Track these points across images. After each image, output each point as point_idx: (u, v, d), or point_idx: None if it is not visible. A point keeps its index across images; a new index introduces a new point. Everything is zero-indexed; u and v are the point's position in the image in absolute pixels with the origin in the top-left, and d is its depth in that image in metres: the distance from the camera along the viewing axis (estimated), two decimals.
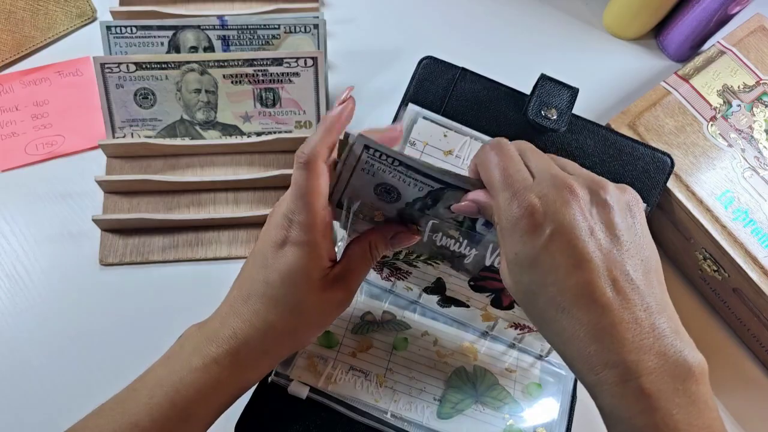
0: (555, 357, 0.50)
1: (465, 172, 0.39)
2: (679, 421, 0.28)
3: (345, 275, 0.38)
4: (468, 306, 0.48)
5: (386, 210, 0.39)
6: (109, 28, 0.56)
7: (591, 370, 0.30)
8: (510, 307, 0.46)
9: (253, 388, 0.45)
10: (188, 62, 0.55)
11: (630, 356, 0.28)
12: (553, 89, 0.51)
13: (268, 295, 0.36)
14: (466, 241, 0.40)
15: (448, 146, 0.50)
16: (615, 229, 0.31)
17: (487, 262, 0.42)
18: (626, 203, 0.33)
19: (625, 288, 0.30)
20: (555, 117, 0.51)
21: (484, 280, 0.44)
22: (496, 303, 0.46)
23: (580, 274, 0.30)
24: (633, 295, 0.30)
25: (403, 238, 0.40)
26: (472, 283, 0.45)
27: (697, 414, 0.29)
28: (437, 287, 0.47)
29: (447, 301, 0.48)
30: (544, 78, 0.51)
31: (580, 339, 0.30)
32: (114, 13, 0.62)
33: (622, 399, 0.29)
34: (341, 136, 0.38)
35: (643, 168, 0.51)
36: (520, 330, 0.48)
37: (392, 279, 0.48)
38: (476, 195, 0.35)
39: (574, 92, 0.51)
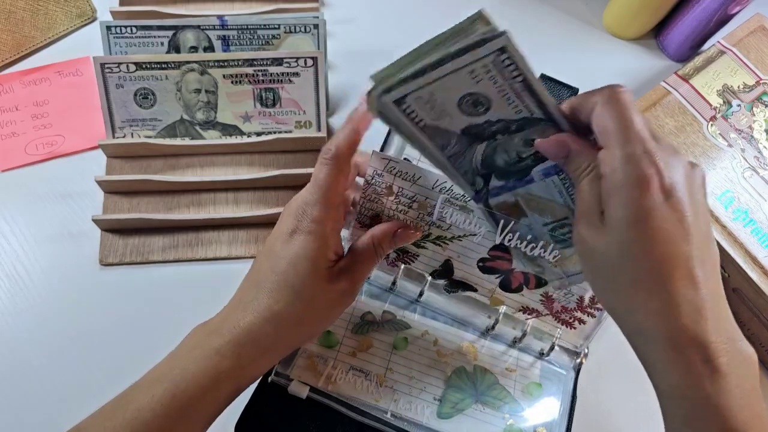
0: (555, 356, 0.50)
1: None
2: (743, 407, 0.29)
3: (350, 268, 0.39)
4: (476, 290, 0.48)
5: (451, 121, 0.35)
6: (109, 28, 0.56)
7: (674, 346, 0.30)
8: (519, 289, 0.46)
9: (253, 388, 0.45)
10: (188, 62, 0.55)
11: (712, 337, 0.29)
12: (553, 89, 0.51)
13: (275, 283, 0.36)
14: (476, 218, 0.41)
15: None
16: (707, 214, 0.33)
17: (497, 240, 0.42)
18: (703, 180, 0.34)
19: (711, 272, 0.31)
20: None
21: (494, 260, 0.45)
22: (505, 285, 0.46)
23: (686, 249, 0.30)
24: (714, 280, 0.31)
25: (405, 235, 0.42)
26: (480, 264, 0.45)
27: (756, 400, 0.30)
28: (445, 270, 0.47)
29: (454, 285, 0.48)
30: (543, 78, 0.51)
31: (670, 313, 0.30)
32: (114, 13, 0.62)
33: (699, 378, 0.29)
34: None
35: None
36: (528, 314, 0.48)
37: (399, 264, 0.48)
38: (572, 139, 0.34)
39: (573, 92, 0.51)
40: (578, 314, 0.46)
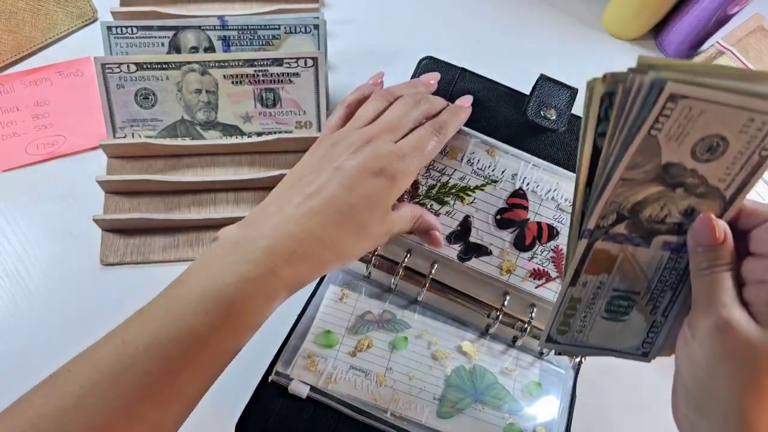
0: (555, 356, 0.50)
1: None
2: None
3: (395, 218, 0.43)
4: (490, 253, 0.49)
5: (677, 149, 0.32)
6: (109, 28, 0.57)
7: None
8: (531, 246, 0.48)
9: (253, 388, 0.46)
10: (189, 62, 0.55)
11: None
12: (552, 89, 0.51)
13: (348, 216, 0.39)
14: (500, 163, 0.46)
15: (446, 146, 0.51)
16: None
17: (517, 185, 0.46)
18: None
19: None
20: (554, 117, 0.51)
21: (512, 210, 0.48)
22: (519, 243, 0.48)
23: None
24: None
25: (434, 238, 0.47)
26: (498, 216, 0.48)
27: None
28: (463, 230, 0.49)
29: (469, 250, 0.49)
30: (543, 78, 0.51)
31: None
32: (114, 14, 0.62)
33: None
34: None
35: None
36: (538, 279, 0.49)
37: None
38: (728, 232, 0.33)
39: (573, 92, 0.51)
40: None
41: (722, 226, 0.33)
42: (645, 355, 0.39)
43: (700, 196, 0.33)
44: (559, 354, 0.41)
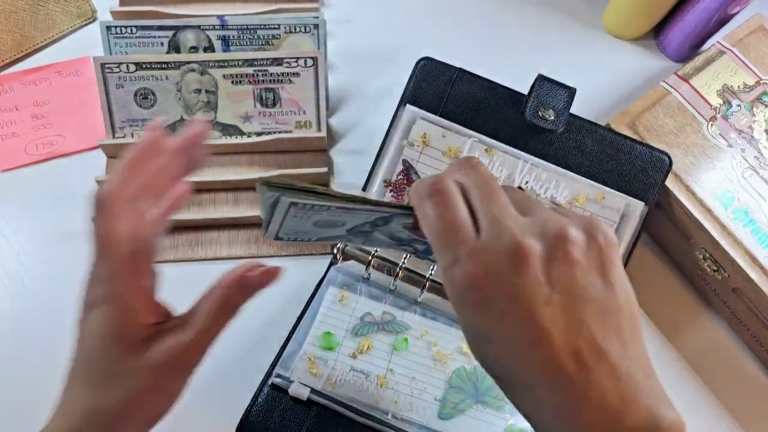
0: None
1: None
2: None
3: (181, 328, 0.31)
4: None
5: (333, 232, 0.35)
6: (109, 28, 0.56)
7: None
8: None
9: (254, 390, 0.45)
10: (188, 62, 0.55)
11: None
12: (551, 89, 0.51)
13: (83, 372, 0.31)
14: (497, 161, 0.45)
15: (445, 146, 0.51)
16: (579, 289, 0.26)
17: (515, 184, 0.45)
18: (597, 251, 0.27)
19: (590, 359, 0.26)
20: (552, 117, 0.51)
21: None
22: None
23: (539, 351, 0.26)
24: (600, 365, 0.26)
25: (256, 276, 0.33)
26: None
27: None
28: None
29: None
30: (541, 78, 0.51)
31: (544, 418, 0.27)
32: (114, 13, 0.62)
33: None
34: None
35: (641, 167, 0.51)
36: None
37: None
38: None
39: (571, 92, 0.51)
40: None
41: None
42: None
43: (385, 223, 0.33)
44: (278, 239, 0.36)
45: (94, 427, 0.30)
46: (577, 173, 0.51)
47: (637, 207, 0.50)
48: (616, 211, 0.50)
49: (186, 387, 0.33)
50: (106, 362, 0.30)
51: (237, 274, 0.32)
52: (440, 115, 0.51)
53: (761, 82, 0.60)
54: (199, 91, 0.56)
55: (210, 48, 0.58)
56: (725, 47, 0.61)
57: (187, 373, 0.32)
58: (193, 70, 0.55)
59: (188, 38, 0.57)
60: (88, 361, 0.31)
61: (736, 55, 0.60)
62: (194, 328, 0.31)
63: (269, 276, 0.33)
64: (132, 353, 0.30)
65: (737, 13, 0.65)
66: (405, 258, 0.49)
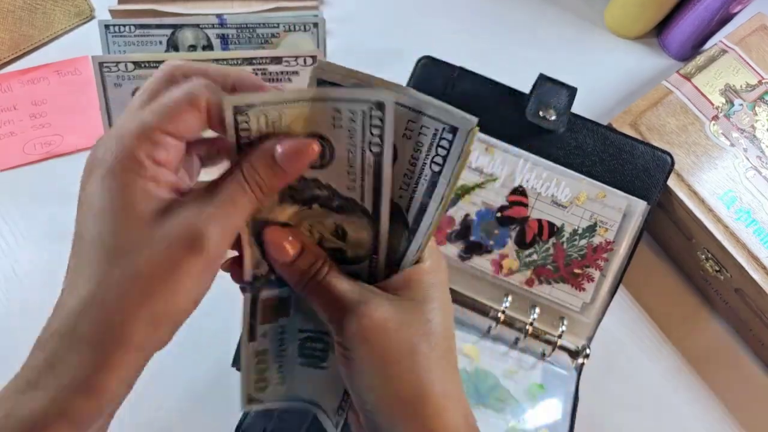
0: (557, 357, 0.50)
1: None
2: None
3: (198, 204, 0.26)
4: (491, 251, 0.50)
5: None
6: (107, 26, 0.56)
7: None
8: (533, 243, 0.49)
9: None
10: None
11: None
12: (552, 89, 0.51)
13: (80, 252, 0.26)
14: (498, 160, 0.43)
15: None
16: None
17: (516, 183, 0.45)
18: None
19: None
20: (553, 117, 0.50)
21: (512, 207, 0.48)
22: (520, 240, 0.49)
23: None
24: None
25: (295, 152, 0.26)
26: (498, 215, 0.48)
27: None
28: (463, 229, 0.50)
29: (470, 249, 0.49)
30: (542, 78, 0.51)
31: None
32: (112, 12, 0.62)
33: None
34: None
35: (643, 166, 0.51)
36: (540, 277, 0.49)
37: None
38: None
39: (572, 92, 0.51)
40: (588, 269, 0.49)
41: (291, 240, 0.29)
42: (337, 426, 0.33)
43: (340, 210, 0.29)
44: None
45: (90, 322, 0.25)
46: (578, 173, 0.50)
47: (639, 207, 0.50)
48: (618, 210, 0.50)
49: (206, 286, 0.27)
50: (110, 232, 0.25)
51: (269, 148, 0.27)
52: None
53: (763, 81, 0.59)
54: None
55: (209, 47, 0.58)
56: (727, 46, 0.60)
57: (208, 261, 0.25)
58: None
59: (187, 37, 0.57)
60: (88, 237, 0.25)
61: (739, 54, 0.60)
62: (220, 198, 0.26)
63: (306, 157, 0.27)
64: (142, 223, 0.25)
65: (739, 11, 0.64)
66: None
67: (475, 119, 0.26)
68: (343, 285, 0.29)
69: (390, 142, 0.27)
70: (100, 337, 0.25)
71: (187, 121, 0.26)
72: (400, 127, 0.27)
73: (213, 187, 0.26)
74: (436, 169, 0.27)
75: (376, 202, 0.28)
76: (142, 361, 0.26)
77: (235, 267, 0.31)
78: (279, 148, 0.26)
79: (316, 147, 0.27)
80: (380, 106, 0.26)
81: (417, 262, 0.29)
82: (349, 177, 0.28)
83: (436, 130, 0.27)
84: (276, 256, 0.29)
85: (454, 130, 0.27)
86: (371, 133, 0.26)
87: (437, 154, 0.27)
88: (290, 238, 0.29)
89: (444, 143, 0.27)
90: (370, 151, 0.27)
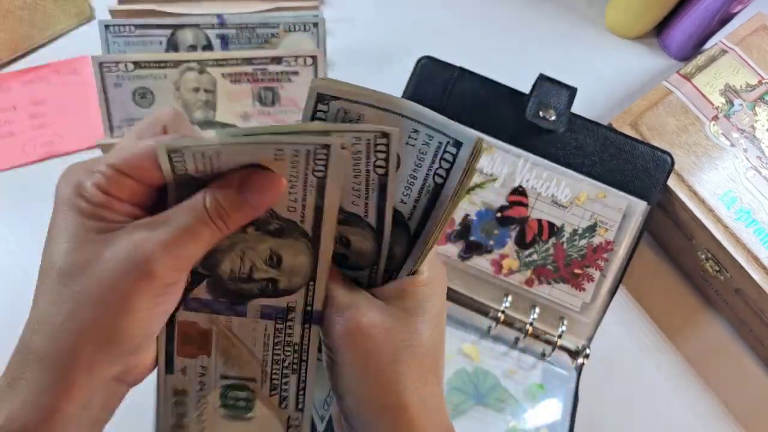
0: (557, 357, 0.50)
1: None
2: None
3: (152, 229, 0.25)
4: (491, 251, 0.50)
5: None
6: (107, 26, 0.56)
7: None
8: (533, 243, 0.49)
9: None
10: (187, 61, 0.55)
11: None
12: (552, 89, 0.51)
13: (41, 271, 0.26)
14: (498, 159, 0.43)
15: None
16: None
17: (516, 183, 0.45)
18: None
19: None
20: (553, 118, 0.50)
21: (512, 207, 0.48)
22: (520, 240, 0.49)
23: None
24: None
25: (263, 184, 0.25)
26: (498, 215, 0.48)
27: None
28: (464, 229, 0.50)
29: (470, 248, 0.49)
30: (542, 78, 0.51)
31: None
32: (112, 12, 0.62)
33: None
34: None
35: (643, 166, 0.51)
36: (540, 277, 0.49)
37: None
38: None
39: (572, 92, 0.51)
40: (588, 269, 0.49)
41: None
42: None
43: (278, 234, 0.27)
44: None
45: (41, 339, 0.26)
46: (578, 173, 0.50)
47: (639, 207, 0.50)
48: (618, 210, 0.50)
49: (159, 315, 0.26)
50: (60, 255, 0.25)
51: (234, 178, 0.25)
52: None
53: (763, 81, 0.59)
54: (197, 90, 0.56)
55: (209, 47, 0.58)
56: (727, 46, 0.60)
57: (158, 286, 0.24)
58: (191, 69, 0.55)
59: (187, 37, 0.57)
60: (44, 258, 0.26)
61: (739, 54, 0.60)
62: (174, 225, 0.25)
63: (273, 189, 0.26)
64: (92, 246, 0.25)
65: (739, 11, 0.64)
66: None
67: (476, 134, 0.26)
68: (336, 286, 0.29)
69: (394, 162, 0.26)
70: (49, 354, 0.25)
71: (144, 168, 0.25)
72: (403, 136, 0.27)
73: (167, 215, 0.25)
74: (440, 181, 0.27)
75: (317, 225, 0.27)
76: (98, 384, 0.25)
77: None
78: (245, 182, 0.25)
79: (284, 180, 0.26)
80: (327, 147, 0.25)
81: (415, 272, 0.29)
82: (290, 198, 0.26)
83: (440, 143, 0.27)
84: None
85: (458, 144, 0.26)
86: (378, 154, 0.26)
87: (440, 167, 0.27)
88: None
89: (448, 156, 0.26)
90: (314, 175, 0.26)
